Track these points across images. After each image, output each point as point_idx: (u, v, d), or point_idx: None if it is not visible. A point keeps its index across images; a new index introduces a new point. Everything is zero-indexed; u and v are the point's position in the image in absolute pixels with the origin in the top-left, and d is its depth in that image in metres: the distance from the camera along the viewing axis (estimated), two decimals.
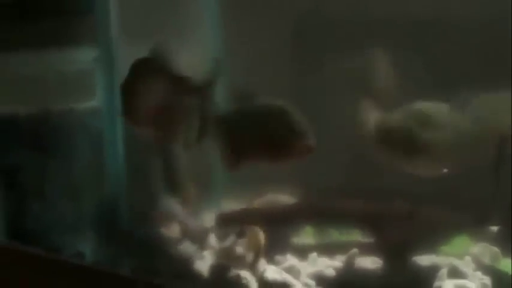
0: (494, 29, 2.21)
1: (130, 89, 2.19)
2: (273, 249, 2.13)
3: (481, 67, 2.21)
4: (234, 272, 2.01)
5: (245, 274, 2.00)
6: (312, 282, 1.98)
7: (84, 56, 2.34)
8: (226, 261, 2.06)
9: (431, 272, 1.94)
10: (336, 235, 2.30)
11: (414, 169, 2.05)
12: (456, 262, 1.95)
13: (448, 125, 2.00)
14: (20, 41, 2.30)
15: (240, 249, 2.07)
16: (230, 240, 2.11)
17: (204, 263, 2.09)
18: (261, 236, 2.08)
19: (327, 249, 2.13)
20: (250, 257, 2.04)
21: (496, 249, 2.05)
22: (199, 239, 2.24)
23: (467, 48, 2.25)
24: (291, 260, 2.08)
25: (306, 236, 2.28)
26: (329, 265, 2.05)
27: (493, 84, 2.04)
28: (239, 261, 2.04)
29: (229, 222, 2.26)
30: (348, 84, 2.42)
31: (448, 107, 2.03)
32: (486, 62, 2.22)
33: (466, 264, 1.95)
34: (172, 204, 2.32)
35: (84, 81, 2.36)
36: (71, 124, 2.36)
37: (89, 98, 2.37)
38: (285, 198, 2.43)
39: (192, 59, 2.62)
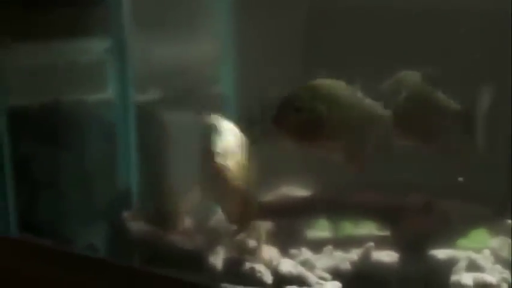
0: None
1: None
2: (288, 242, 2.11)
3: None
4: (248, 265, 1.98)
5: (260, 267, 1.97)
6: (328, 276, 1.95)
7: (96, 47, 2.33)
8: (237, 254, 2.04)
9: (449, 266, 1.91)
10: (351, 228, 2.27)
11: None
12: (474, 256, 1.92)
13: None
14: (31, 31, 2.29)
15: (251, 243, 2.05)
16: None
17: (217, 257, 2.07)
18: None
19: (343, 243, 2.10)
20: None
21: None
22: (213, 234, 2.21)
23: None
24: (305, 253, 2.05)
25: (320, 229, 2.26)
26: (345, 258, 2.02)
27: None
28: (250, 254, 2.02)
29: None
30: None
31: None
32: None
33: (484, 258, 1.91)
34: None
35: (97, 72, 2.35)
36: (83, 115, 2.34)
37: (101, 89, 2.36)
38: (299, 192, 2.40)
39: (203, 49, 2.61)
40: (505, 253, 1.98)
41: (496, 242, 2.02)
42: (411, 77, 2.11)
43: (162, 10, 2.44)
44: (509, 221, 2.07)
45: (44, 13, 2.28)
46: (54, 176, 2.34)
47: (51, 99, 2.31)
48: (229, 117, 2.59)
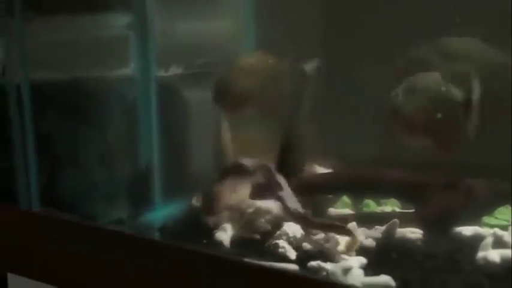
0: None
1: None
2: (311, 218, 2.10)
3: None
4: (272, 240, 1.97)
5: (283, 243, 1.96)
6: (352, 252, 1.93)
7: (118, 22, 2.31)
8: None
9: (475, 242, 1.89)
10: (372, 206, 2.26)
11: None
12: (500, 232, 1.90)
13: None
14: (53, 6, 2.27)
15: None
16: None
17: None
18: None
19: (366, 219, 2.08)
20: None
21: None
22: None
23: None
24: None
25: (343, 206, 2.25)
26: (369, 235, 2.00)
27: None
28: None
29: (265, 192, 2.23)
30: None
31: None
32: None
33: (510, 235, 1.90)
34: None
35: (119, 47, 2.33)
36: (104, 91, 2.33)
37: (124, 65, 2.35)
38: (322, 169, 2.39)
39: (225, 24, 2.59)
40: None
41: None
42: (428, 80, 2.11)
43: None
44: None
45: None
46: (75, 151, 2.33)
47: (74, 75, 2.30)
48: None
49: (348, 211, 2.23)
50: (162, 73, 2.39)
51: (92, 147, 2.32)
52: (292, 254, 1.94)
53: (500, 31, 2.04)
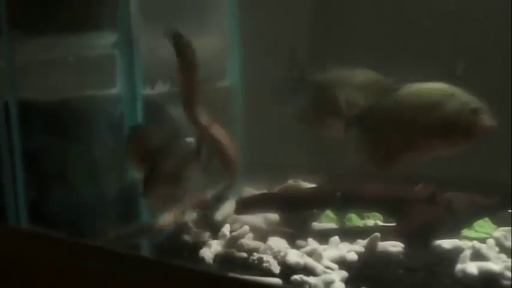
0: None
1: None
2: (295, 233, 2.14)
3: None
4: (257, 255, 2.01)
5: (268, 258, 2.00)
6: (335, 266, 1.97)
7: (104, 41, 2.34)
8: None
9: (454, 255, 1.93)
10: (355, 219, 2.30)
11: None
12: (479, 245, 1.94)
13: None
14: (40, 26, 2.31)
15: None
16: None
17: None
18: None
19: (349, 234, 2.12)
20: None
21: None
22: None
23: None
24: (312, 244, 2.07)
25: (327, 221, 2.28)
26: (351, 249, 2.04)
27: None
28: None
29: (250, 208, 2.26)
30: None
31: None
32: None
33: (489, 247, 1.94)
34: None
35: (105, 66, 2.36)
36: (91, 109, 2.36)
37: (110, 83, 2.38)
38: (306, 184, 2.43)
39: (211, 42, 2.63)
40: (509, 242, 2.00)
41: (500, 232, 2.04)
42: None
43: (170, 4, 2.46)
44: None
45: (52, 7, 2.30)
46: (63, 169, 2.36)
47: (61, 93, 2.33)
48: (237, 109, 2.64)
49: (331, 225, 2.27)
50: (148, 91, 2.42)
51: (79, 165, 2.35)
52: (276, 268, 1.97)
53: None
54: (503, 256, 1.92)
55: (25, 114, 2.28)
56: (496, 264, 1.86)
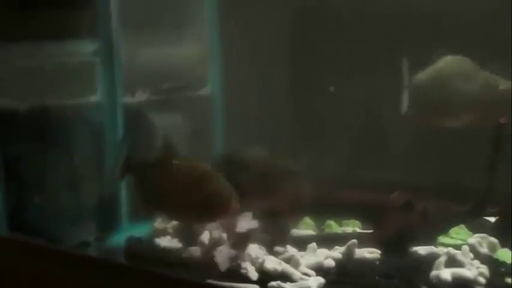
0: None
1: None
2: (273, 240, 2.15)
3: None
4: (235, 262, 2.02)
5: (245, 264, 2.01)
6: (312, 272, 1.99)
7: (84, 49, 2.36)
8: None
9: (429, 262, 1.95)
10: (334, 226, 2.32)
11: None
12: (453, 252, 1.96)
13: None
14: (20, 32, 2.31)
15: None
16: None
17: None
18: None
19: (327, 240, 2.14)
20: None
21: (493, 239, 2.07)
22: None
23: None
24: (290, 250, 2.09)
25: (305, 227, 2.30)
26: (328, 255, 2.06)
27: None
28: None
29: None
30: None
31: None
32: None
33: (463, 254, 1.96)
34: None
35: (85, 74, 2.38)
36: (71, 117, 2.37)
37: (90, 91, 2.39)
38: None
39: (191, 50, 2.65)
40: (483, 249, 2.03)
41: (475, 238, 2.06)
42: None
43: (150, 13, 2.48)
44: (488, 218, 2.13)
45: (32, 15, 2.31)
46: (43, 176, 2.36)
47: (41, 101, 2.34)
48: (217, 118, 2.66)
49: (309, 232, 2.29)
50: (128, 98, 2.43)
51: (59, 172, 2.35)
52: (254, 275, 1.99)
53: None
54: (477, 262, 1.95)
55: (4, 122, 2.29)
56: (469, 270, 1.89)
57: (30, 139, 2.32)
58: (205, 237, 2.19)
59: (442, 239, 2.13)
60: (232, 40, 2.64)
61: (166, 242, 2.25)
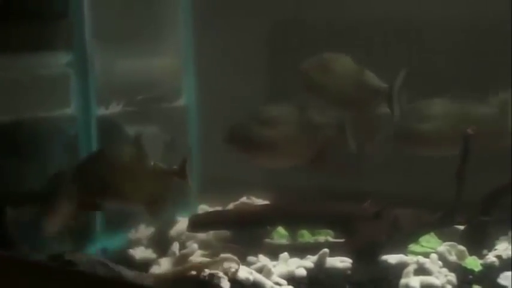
0: None
1: None
2: (246, 250, 2.17)
3: None
4: (207, 272, 2.03)
5: (218, 274, 2.02)
6: (283, 282, 2.01)
7: (58, 60, 2.36)
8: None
9: (399, 270, 1.98)
10: (308, 236, 2.34)
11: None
12: (422, 260, 1.99)
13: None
14: None
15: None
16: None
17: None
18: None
19: (299, 250, 2.16)
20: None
21: (462, 247, 2.10)
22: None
23: None
24: (262, 260, 2.11)
25: (278, 237, 2.32)
26: (300, 265, 2.08)
27: None
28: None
29: (203, 225, 2.29)
30: None
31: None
32: None
33: (432, 262, 1.99)
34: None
35: (59, 85, 2.38)
36: (45, 129, 2.37)
37: (64, 102, 2.39)
38: (258, 201, 2.47)
39: (165, 62, 2.67)
40: (452, 257, 2.06)
41: (444, 247, 2.09)
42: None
43: (124, 24, 2.49)
44: (457, 227, 2.16)
45: (5, 26, 2.31)
46: (17, 189, 2.36)
47: (14, 113, 2.33)
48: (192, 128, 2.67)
49: (282, 241, 2.31)
50: (102, 110, 2.44)
51: (32, 185, 2.35)
52: (226, 285, 2.00)
53: None
54: (445, 270, 1.98)
55: None
56: (438, 278, 1.92)
57: (3, 152, 2.32)
58: (175, 247, 2.21)
59: (412, 247, 2.16)
60: (207, 51, 2.66)
61: (140, 252, 2.27)
